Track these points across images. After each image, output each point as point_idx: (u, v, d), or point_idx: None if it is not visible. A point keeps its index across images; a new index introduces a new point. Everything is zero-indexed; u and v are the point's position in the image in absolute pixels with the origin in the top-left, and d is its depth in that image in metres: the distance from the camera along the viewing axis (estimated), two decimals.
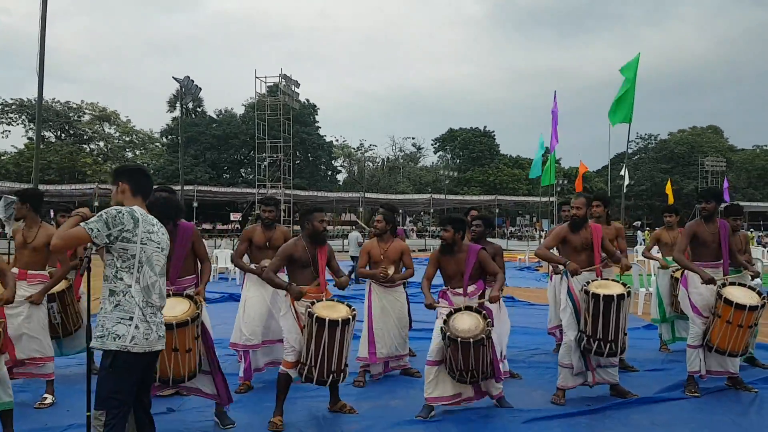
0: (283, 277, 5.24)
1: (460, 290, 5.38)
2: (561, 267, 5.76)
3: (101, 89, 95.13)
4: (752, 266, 6.34)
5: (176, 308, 4.41)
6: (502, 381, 5.30)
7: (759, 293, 5.63)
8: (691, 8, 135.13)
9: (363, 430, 4.75)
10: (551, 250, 5.92)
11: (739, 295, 5.56)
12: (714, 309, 5.67)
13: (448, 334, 4.86)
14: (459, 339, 4.79)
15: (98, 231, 3.24)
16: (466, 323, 4.96)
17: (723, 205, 6.66)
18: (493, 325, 5.05)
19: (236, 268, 14.73)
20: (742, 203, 51.76)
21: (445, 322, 4.98)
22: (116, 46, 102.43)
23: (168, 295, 4.50)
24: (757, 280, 7.26)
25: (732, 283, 5.77)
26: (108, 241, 3.28)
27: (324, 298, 4.97)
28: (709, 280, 5.64)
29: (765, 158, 64.74)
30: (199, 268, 5.00)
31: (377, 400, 5.56)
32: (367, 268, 6.24)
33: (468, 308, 5.14)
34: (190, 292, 4.69)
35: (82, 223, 3.29)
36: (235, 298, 11.16)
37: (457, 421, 4.98)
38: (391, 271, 6.14)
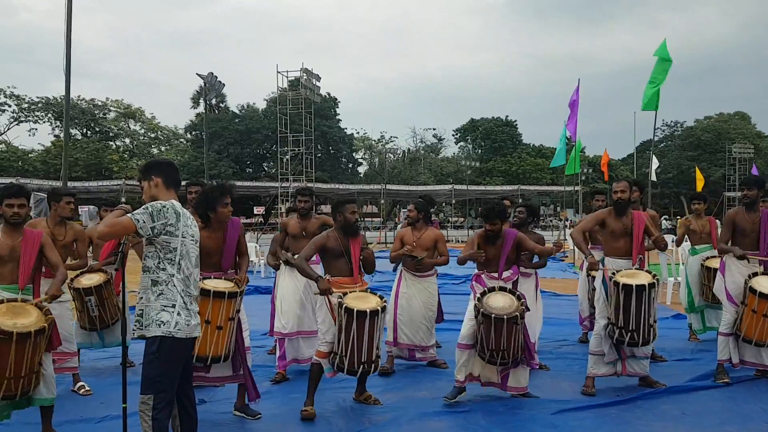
0: (319, 269, 5.33)
1: (495, 274, 5.44)
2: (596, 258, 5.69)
3: (123, 85, 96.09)
4: None
5: (223, 284, 4.63)
6: (534, 367, 5.34)
7: None
8: None
9: (390, 420, 4.78)
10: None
11: (767, 285, 5.47)
12: (743, 298, 5.60)
13: (482, 310, 4.93)
14: (493, 315, 4.87)
15: (143, 222, 3.34)
16: (500, 302, 5.05)
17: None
18: (527, 308, 5.11)
19: (261, 261, 15.01)
20: None
21: (479, 299, 5.06)
22: (137, 42, 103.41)
23: (209, 278, 4.68)
24: None
25: (765, 273, 5.65)
26: (152, 234, 3.38)
27: (357, 289, 5.01)
28: (741, 256, 5.60)
29: None
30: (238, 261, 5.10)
31: (403, 391, 5.59)
32: None
33: (502, 289, 5.22)
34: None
35: (128, 214, 3.38)
36: (260, 290, 11.26)
37: (485, 411, 4.99)
38: (422, 255, 6.17)
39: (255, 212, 42.71)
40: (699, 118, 67.38)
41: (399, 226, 8.12)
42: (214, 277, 4.72)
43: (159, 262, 3.43)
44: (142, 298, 3.45)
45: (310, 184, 37.89)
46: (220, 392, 5.39)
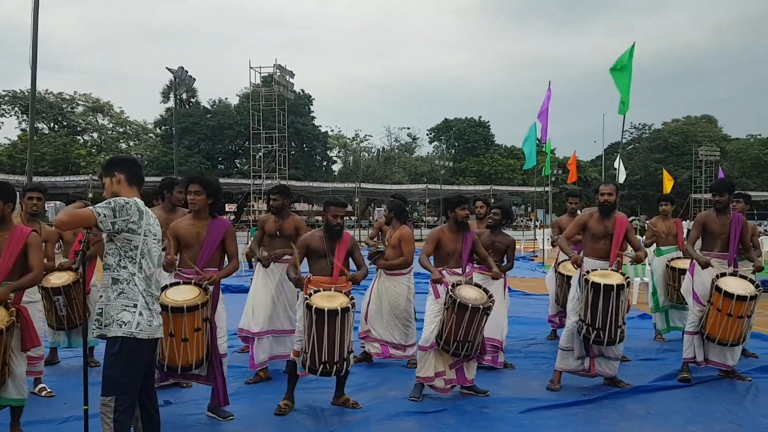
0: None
1: (459, 270, 5.54)
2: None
3: (93, 79, 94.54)
4: (758, 260, 6.25)
5: (185, 294, 4.48)
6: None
7: (756, 285, 5.64)
8: None
9: (360, 421, 4.77)
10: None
11: (733, 285, 5.58)
12: (709, 297, 5.71)
13: (458, 301, 5.01)
14: (470, 305, 4.98)
15: (104, 216, 3.27)
16: (472, 293, 5.19)
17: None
18: (494, 302, 5.24)
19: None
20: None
21: (452, 290, 5.15)
22: (108, 36, 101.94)
23: (178, 284, 4.59)
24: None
25: (732, 274, 5.78)
26: (111, 229, 3.30)
27: (333, 289, 4.95)
28: (705, 264, 5.70)
29: (758, 147, 64.76)
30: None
31: (374, 390, 5.58)
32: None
33: (468, 283, 5.37)
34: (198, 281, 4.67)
35: (90, 207, 3.32)
36: (230, 289, 11.15)
37: (455, 411, 5.01)
38: (383, 247, 6.46)
39: (227, 209, 42.32)
40: (667, 120, 68.72)
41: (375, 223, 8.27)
42: (185, 281, 4.63)
43: (120, 260, 3.36)
44: (102, 296, 3.38)
45: (284, 182, 37.70)
46: (186, 393, 5.33)
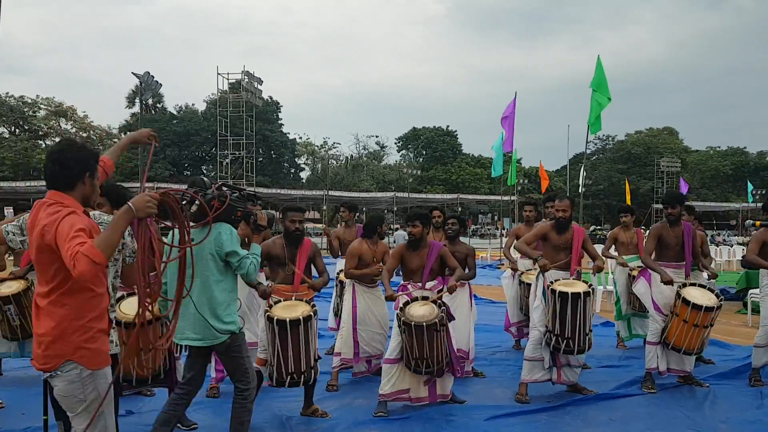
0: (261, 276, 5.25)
1: (419, 284, 5.54)
2: (535, 266, 5.81)
3: (55, 82, 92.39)
4: (711, 269, 6.48)
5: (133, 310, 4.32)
6: (457, 375, 5.38)
7: (717, 295, 5.81)
8: (648, 12, 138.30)
9: (325, 429, 4.75)
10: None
11: (697, 295, 5.73)
12: (672, 308, 5.84)
13: (403, 319, 4.96)
14: (413, 323, 4.90)
15: (13, 235, 3.21)
16: (421, 311, 5.09)
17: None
18: (449, 316, 5.15)
19: None
20: (695, 203, 53.24)
21: (402, 309, 5.09)
22: (70, 38, 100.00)
23: (123, 297, 4.40)
24: (712, 280, 7.45)
25: (693, 284, 5.94)
26: (22, 247, 3.23)
27: (294, 297, 4.92)
28: (668, 281, 5.82)
29: (718, 159, 66.66)
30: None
31: (340, 398, 5.56)
32: None
33: (424, 298, 5.28)
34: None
35: (3, 226, 3.23)
36: None
37: (420, 419, 5.02)
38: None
39: None
40: (630, 132, 70.25)
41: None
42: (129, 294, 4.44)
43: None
44: None
45: (251, 188, 37.39)
46: (149, 403, 5.24)
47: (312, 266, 5.27)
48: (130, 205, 2.46)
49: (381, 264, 6.05)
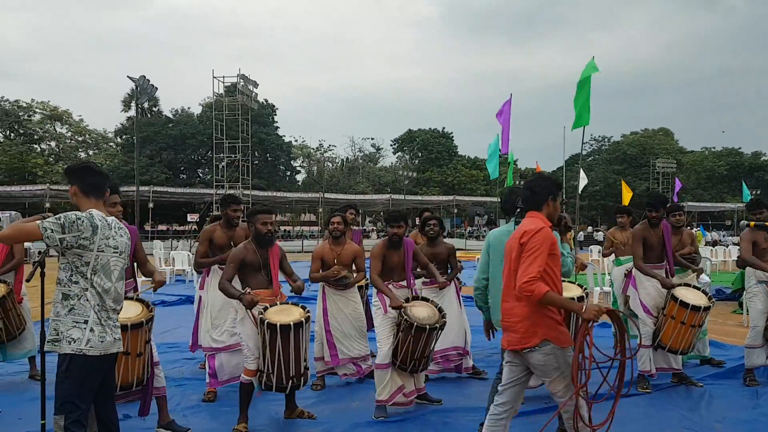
0: (236, 283, 5.01)
1: (404, 282, 5.59)
2: None
3: (49, 87, 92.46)
4: (696, 264, 6.56)
5: (129, 311, 4.29)
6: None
7: (706, 294, 5.85)
8: (641, 13, 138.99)
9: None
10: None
11: (689, 296, 5.77)
12: (664, 310, 5.86)
13: (405, 318, 5.00)
14: (416, 324, 4.96)
15: (51, 232, 3.16)
16: (424, 312, 5.15)
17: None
18: (445, 317, 5.25)
19: (194, 271, 14.55)
20: (690, 204, 53.46)
21: (404, 312, 5.09)
22: (63, 43, 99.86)
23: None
24: (705, 278, 7.50)
25: (680, 285, 5.99)
26: (60, 245, 3.19)
27: (278, 302, 4.89)
28: (670, 287, 5.85)
29: (713, 160, 66.84)
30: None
31: (336, 403, 5.56)
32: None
33: (424, 299, 5.40)
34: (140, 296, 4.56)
35: (38, 222, 3.20)
36: (192, 300, 10.95)
37: (417, 421, 5.02)
38: (345, 273, 6.05)
39: (189, 219, 41.65)
40: (625, 133, 70.43)
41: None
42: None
43: (71, 275, 3.25)
44: (53, 311, 3.27)
45: (247, 191, 37.38)
46: None
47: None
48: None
49: (340, 266, 5.99)
